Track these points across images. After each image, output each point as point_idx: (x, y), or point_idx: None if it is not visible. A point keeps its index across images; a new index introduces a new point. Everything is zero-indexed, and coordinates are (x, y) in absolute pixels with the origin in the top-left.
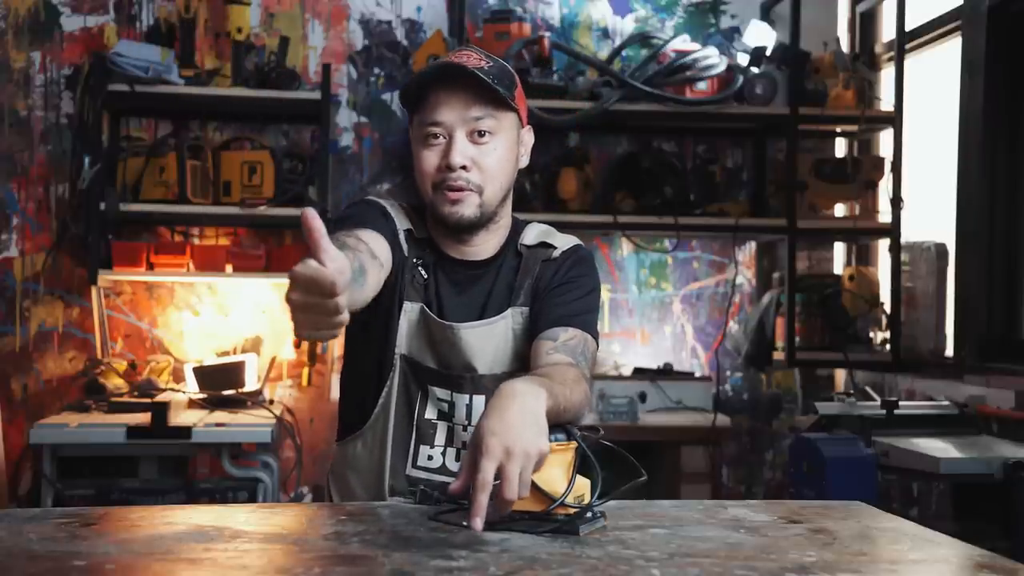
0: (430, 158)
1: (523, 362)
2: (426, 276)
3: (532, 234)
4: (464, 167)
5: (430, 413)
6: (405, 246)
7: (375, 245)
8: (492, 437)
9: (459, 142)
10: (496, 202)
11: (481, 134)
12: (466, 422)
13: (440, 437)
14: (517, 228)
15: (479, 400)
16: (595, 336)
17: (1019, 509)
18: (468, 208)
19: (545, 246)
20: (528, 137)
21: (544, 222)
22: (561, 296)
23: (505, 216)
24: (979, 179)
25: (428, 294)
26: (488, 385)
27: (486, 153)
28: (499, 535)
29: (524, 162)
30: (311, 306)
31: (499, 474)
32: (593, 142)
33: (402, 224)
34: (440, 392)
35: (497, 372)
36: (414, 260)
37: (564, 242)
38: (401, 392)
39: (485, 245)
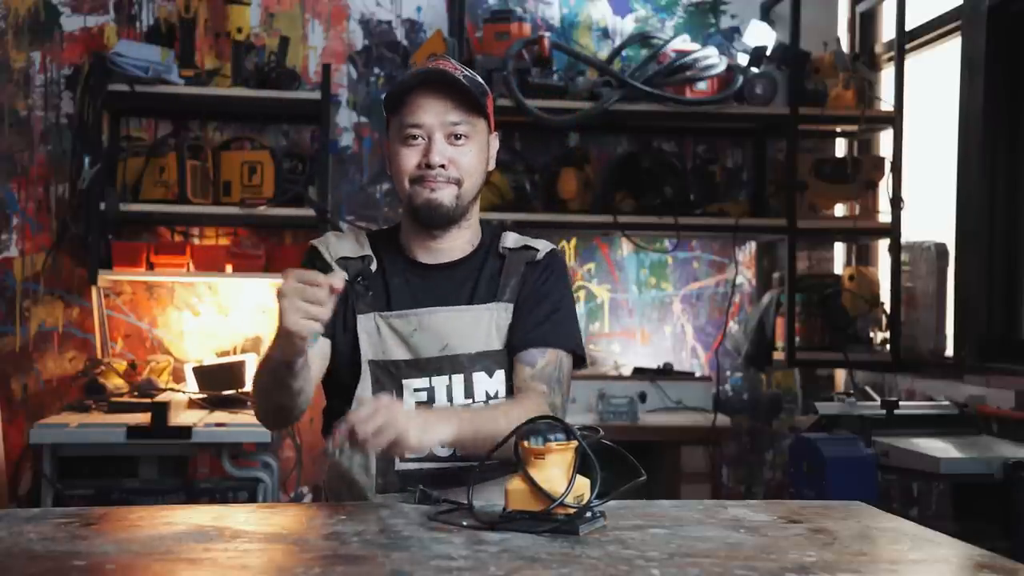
0: (410, 156)
1: (504, 348)
2: (370, 290)
3: (512, 239)
4: (443, 166)
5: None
6: (343, 273)
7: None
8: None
9: (438, 143)
10: (470, 197)
11: (458, 137)
12: (448, 403)
13: None
14: (494, 232)
15: (458, 379)
16: (577, 342)
17: (1019, 509)
18: (447, 197)
19: (527, 248)
20: (495, 143)
21: (544, 222)
22: (539, 307)
23: (474, 216)
24: (979, 179)
25: (378, 302)
26: (465, 364)
27: (462, 153)
28: (499, 535)
29: (491, 165)
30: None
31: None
32: (593, 142)
33: (335, 254)
34: (417, 383)
35: (471, 352)
36: (356, 280)
37: (543, 246)
38: (376, 395)
39: (456, 242)
